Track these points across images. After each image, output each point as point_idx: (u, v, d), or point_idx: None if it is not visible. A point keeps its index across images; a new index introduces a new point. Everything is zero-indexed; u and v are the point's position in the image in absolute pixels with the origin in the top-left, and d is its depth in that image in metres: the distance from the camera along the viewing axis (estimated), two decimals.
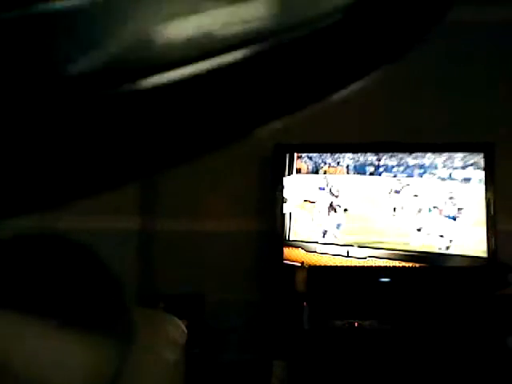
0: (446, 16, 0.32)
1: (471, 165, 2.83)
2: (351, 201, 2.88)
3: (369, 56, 0.34)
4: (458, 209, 2.81)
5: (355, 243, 2.83)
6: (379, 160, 2.88)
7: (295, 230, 2.89)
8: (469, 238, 2.79)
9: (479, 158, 2.82)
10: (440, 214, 2.82)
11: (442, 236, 2.80)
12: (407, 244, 2.82)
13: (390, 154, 2.89)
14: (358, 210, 2.87)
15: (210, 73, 0.28)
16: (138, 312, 2.38)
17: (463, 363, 2.53)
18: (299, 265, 2.79)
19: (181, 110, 0.29)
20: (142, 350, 2.06)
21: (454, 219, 2.81)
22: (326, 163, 2.91)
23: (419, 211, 2.83)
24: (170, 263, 3.05)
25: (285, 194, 2.89)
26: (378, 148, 2.89)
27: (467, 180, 2.82)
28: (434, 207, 2.82)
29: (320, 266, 2.83)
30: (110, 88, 0.26)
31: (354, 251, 2.84)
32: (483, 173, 2.81)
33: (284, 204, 2.89)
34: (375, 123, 3.03)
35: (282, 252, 2.87)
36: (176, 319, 2.25)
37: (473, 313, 2.62)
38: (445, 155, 2.85)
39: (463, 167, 2.83)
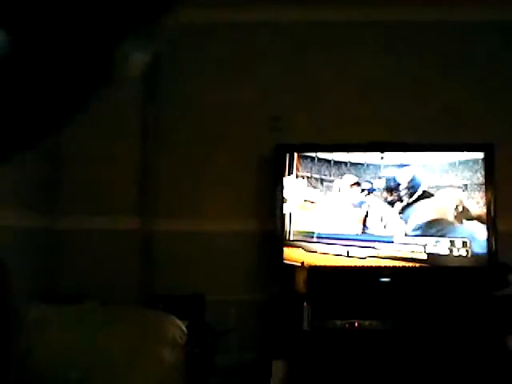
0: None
1: (471, 165, 2.83)
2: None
3: None
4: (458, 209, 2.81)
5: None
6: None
7: (295, 229, 2.89)
8: (469, 238, 2.79)
9: (479, 158, 2.82)
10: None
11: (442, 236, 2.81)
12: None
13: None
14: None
15: None
16: (138, 312, 2.39)
17: (463, 363, 2.53)
18: (299, 265, 2.79)
19: None
20: (142, 350, 2.06)
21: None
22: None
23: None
24: (170, 263, 3.05)
25: (285, 194, 2.89)
26: (378, 148, 2.89)
27: (467, 180, 2.82)
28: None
29: (320, 266, 2.82)
30: None
31: (353, 251, 2.84)
32: (483, 173, 2.81)
33: (284, 204, 2.88)
34: (375, 123, 3.03)
35: (282, 252, 2.87)
36: (176, 319, 2.25)
37: (473, 312, 2.61)
38: (445, 155, 2.85)
39: (463, 167, 2.83)
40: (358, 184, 2.88)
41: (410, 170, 2.86)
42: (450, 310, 2.63)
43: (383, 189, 2.87)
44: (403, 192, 2.86)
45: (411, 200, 2.84)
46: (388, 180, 2.87)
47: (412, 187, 2.85)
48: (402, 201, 2.85)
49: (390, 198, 2.86)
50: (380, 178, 2.87)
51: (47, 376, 1.79)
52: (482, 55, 3.09)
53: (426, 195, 2.84)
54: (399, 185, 2.86)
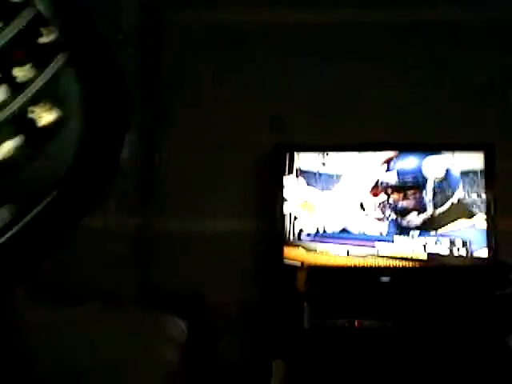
0: None
1: (471, 165, 2.83)
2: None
3: None
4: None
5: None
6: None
7: (295, 229, 2.89)
8: (469, 237, 2.79)
9: (479, 158, 2.82)
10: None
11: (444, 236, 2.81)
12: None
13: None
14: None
15: None
16: (138, 312, 2.39)
17: (464, 362, 2.53)
18: (299, 265, 2.79)
19: None
20: (142, 350, 2.07)
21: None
22: None
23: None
24: (170, 263, 3.05)
25: (285, 194, 2.89)
26: (378, 148, 2.89)
27: (467, 180, 2.82)
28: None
29: (320, 266, 2.83)
30: None
31: (354, 251, 2.84)
32: (483, 173, 2.80)
33: (284, 204, 2.89)
34: (375, 123, 3.03)
35: (282, 252, 2.87)
36: (176, 319, 2.25)
37: (473, 312, 2.62)
38: (445, 155, 2.85)
39: (463, 167, 2.83)
40: (388, 162, 2.85)
41: (409, 170, 2.86)
42: (450, 309, 2.64)
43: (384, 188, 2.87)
44: (403, 191, 2.86)
45: (410, 204, 2.84)
46: (387, 180, 2.87)
47: (411, 187, 2.85)
48: (401, 200, 2.85)
49: (389, 198, 2.86)
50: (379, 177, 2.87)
51: (47, 378, 1.79)
52: (483, 56, 3.09)
53: (425, 195, 2.84)
54: (398, 184, 2.86)
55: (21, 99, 0.53)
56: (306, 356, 2.58)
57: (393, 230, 2.83)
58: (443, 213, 2.81)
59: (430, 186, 2.83)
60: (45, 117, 0.53)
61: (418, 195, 2.83)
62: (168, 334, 2.13)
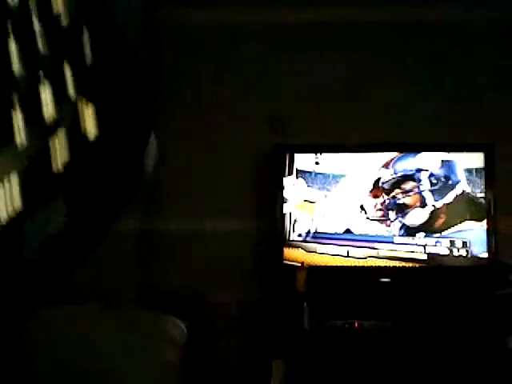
0: None
1: (471, 165, 2.83)
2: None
3: None
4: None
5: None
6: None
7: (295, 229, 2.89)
8: (469, 237, 2.79)
9: (479, 158, 2.82)
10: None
11: (443, 236, 2.81)
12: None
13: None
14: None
15: None
16: (138, 312, 2.39)
17: (463, 363, 2.53)
18: (299, 265, 2.79)
19: None
20: (141, 350, 2.07)
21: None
22: None
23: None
24: (170, 263, 3.04)
25: (285, 194, 2.89)
26: (378, 148, 2.89)
27: (467, 180, 2.82)
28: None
29: (320, 266, 2.83)
30: None
31: (353, 251, 2.84)
32: (483, 173, 2.80)
33: (284, 204, 2.89)
34: (375, 123, 3.03)
35: (282, 252, 2.87)
36: (176, 319, 2.25)
37: (473, 313, 2.61)
38: (445, 155, 2.85)
39: (463, 167, 2.83)
40: (387, 164, 2.85)
41: (409, 170, 2.86)
42: (450, 310, 2.63)
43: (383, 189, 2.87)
44: (402, 192, 2.86)
45: (411, 200, 2.84)
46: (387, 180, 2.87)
47: (408, 180, 2.85)
48: (400, 195, 2.85)
49: (388, 198, 2.86)
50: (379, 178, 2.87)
51: (47, 378, 1.80)
52: (482, 56, 3.09)
53: (425, 195, 2.84)
54: (398, 185, 2.86)
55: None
56: (306, 356, 2.58)
57: (397, 231, 2.83)
58: (448, 205, 2.80)
59: (425, 175, 2.83)
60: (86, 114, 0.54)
61: (415, 188, 2.83)
62: (168, 334, 2.13)
